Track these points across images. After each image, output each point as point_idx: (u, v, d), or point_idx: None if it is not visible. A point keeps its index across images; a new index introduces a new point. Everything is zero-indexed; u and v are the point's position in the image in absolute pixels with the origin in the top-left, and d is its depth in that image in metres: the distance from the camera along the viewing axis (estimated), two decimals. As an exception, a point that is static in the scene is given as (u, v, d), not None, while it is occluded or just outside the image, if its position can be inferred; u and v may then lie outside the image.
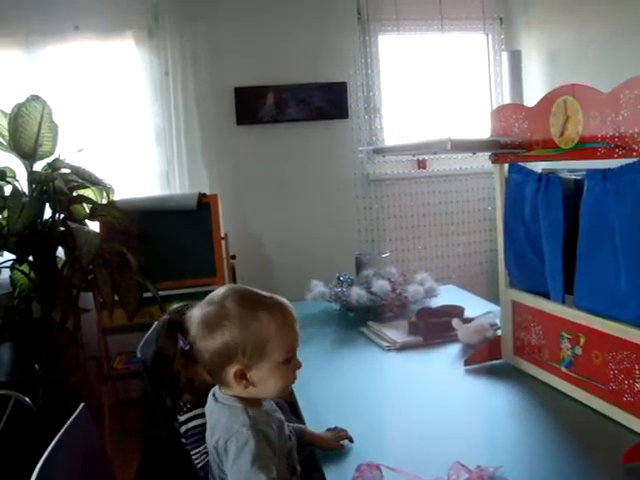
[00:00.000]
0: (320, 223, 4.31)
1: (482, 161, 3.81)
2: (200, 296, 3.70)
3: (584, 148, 1.70)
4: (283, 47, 4.21)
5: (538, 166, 2.11)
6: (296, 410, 1.96)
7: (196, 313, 1.44)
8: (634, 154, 1.53)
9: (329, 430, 1.71)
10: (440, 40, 4.43)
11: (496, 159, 2.11)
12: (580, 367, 1.81)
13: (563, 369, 1.88)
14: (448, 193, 4.45)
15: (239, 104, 4.21)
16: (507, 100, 4.28)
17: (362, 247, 4.21)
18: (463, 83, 4.52)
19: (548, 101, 1.83)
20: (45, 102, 3.42)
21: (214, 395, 1.48)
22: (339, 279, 3.03)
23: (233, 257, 3.97)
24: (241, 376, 1.40)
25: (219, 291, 1.46)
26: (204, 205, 3.85)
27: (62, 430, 1.61)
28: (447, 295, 3.07)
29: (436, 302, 2.94)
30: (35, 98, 3.41)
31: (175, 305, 1.97)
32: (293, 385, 2.04)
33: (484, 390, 2.03)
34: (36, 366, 3.45)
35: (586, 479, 1.45)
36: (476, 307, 2.77)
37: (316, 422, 1.81)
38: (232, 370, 1.39)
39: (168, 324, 1.86)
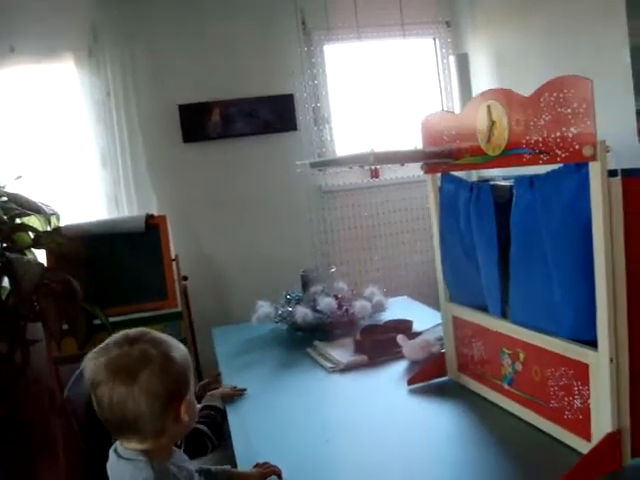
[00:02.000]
0: (273, 239, 4.21)
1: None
2: (151, 320, 3.59)
3: (511, 154, 1.62)
4: (227, 61, 4.11)
5: (475, 174, 2.04)
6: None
7: (104, 364, 1.29)
8: (558, 159, 1.45)
9: (257, 465, 1.61)
10: (388, 46, 4.37)
11: (428, 169, 2.03)
12: (521, 384, 1.73)
13: (505, 386, 1.81)
14: (403, 200, 4.35)
15: (184, 121, 4.10)
16: (457, 104, 4.23)
17: (317, 261, 4.12)
18: (413, 89, 4.45)
19: (473, 107, 1.76)
20: (-23, 130, 3.30)
21: (116, 451, 1.35)
22: (287, 297, 2.94)
23: (185, 278, 3.86)
24: (187, 409, 1.34)
25: (113, 341, 1.32)
26: (153, 227, 3.73)
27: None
28: (398, 308, 3.00)
29: (385, 316, 2.87)
30: (-35, 126, 3.30)
31: None
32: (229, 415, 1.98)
33: (427, 411, 1.95)
34: (-20, 404, 3.34)
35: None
36: (428, 319, 2.69)
37: (248, 454, 1.72)
38: (183, 406, 1.32)
39: None
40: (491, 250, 1.79)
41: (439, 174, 2.03)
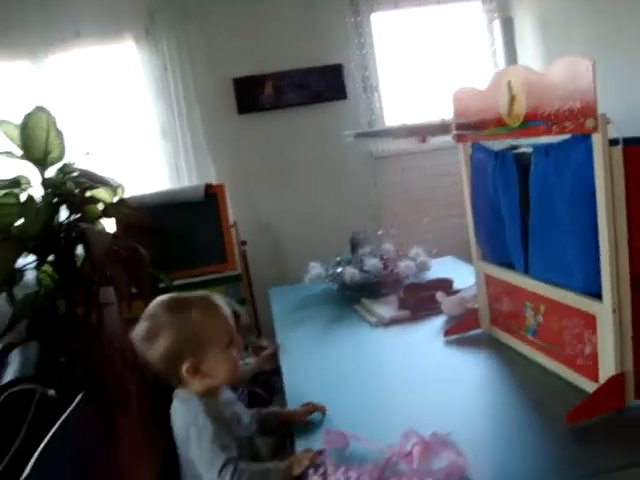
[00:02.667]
0: (327, 204, 4.40)
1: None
2: (213, 283, 3.82)
3: (529, 126, 1.77)
4: (277, 35, 4.29)
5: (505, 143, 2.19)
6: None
7: (136, 332, 1.63)
8: (567, 131, 1.60)
9: (303, 405, 1.84)
10: (434, 12, 4.47)
11: (459, 138, 2.19)
12: (543, 334, 1.91)
13: (529, 336, 1.98)
14: (452, 164, 4.45)
15: (239, 94, 4.32)
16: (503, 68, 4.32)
17: (367, 224, 4.29)
18: (460, 54, 4.54)
19: (496, 82, 1.91)
20: (49, 112, 3.55)
21: (175, 396, 1.65)
22: (337, 259, 3.14)
23: (244, 243, 4.10)
24: (194, 371, 1.59)
25: (149, 306, 1.66)
26: (212, 195, 3.98)
27: (61, 418, 1.78)
28: (443, 267, 3.17)
29: (429, 275, 3.05)
30: (39, 109, 3.54)
31: None
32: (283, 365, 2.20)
33: (461, 360, 2.14)
34: (62, 360, 3.64)
35: (538, 440, 1.56)
36: (470, 277, 2.84)
37: (298, 398, 1.93)
38: (184, 368, 1.58)
39: None
40: (514, 214, 1.96)
41: (469, 143, 2.19)
